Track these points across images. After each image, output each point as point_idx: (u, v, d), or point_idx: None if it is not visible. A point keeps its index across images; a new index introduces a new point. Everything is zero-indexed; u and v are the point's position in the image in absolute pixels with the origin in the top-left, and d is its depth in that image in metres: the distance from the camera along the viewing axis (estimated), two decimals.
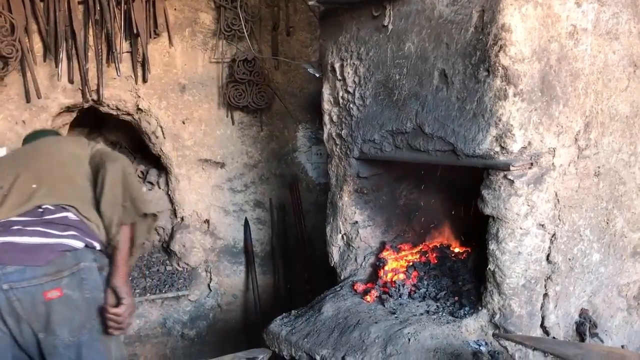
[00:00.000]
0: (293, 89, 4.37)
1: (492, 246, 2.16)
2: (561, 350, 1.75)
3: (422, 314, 2.38)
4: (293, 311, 2.75)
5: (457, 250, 2.78)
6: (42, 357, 1.97)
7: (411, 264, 2.70)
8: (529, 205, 2.09)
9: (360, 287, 2.73)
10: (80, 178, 2.21)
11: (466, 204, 2.45)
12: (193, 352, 4.17)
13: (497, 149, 2.06)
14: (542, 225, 2.15)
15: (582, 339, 2.33)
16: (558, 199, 2.18)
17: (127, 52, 3.74)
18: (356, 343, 2.28)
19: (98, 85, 3.63)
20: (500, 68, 1.99)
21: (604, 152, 2.31)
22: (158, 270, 4.17)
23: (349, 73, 2.67)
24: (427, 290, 2.55)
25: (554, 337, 2.24)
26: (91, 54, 3.59)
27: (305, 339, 2.43)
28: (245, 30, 3.84)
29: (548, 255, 2.20)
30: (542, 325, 2.24)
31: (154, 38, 3.80)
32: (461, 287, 2.46)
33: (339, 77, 2.74)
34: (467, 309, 2.31)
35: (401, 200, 3.02)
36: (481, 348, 2.15)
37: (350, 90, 2.68)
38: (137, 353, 4.02)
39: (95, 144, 2.42)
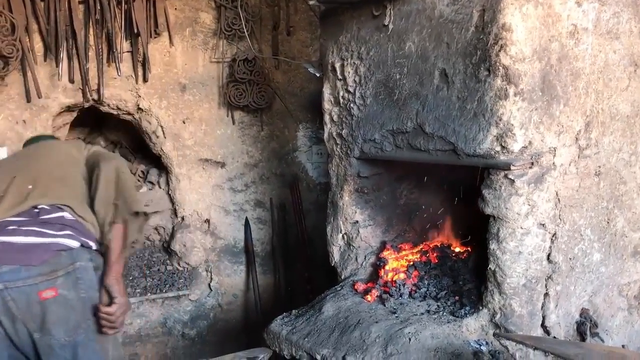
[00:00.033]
0: (293, 88, 4.37)
1: (492, 246, 2.16)
2: (562, 350, 1.75)
3: (422, 314, 2.38)
4: (293, 311, 2.75)
5: (457, 249, 2.78)
6: (38, 357, 1.97)
7: (412, 263, 2.70)
8: (529, 205, 2.09)
9: (360, 286, 2.73)
10: (76, 179, 2.22)
11: (467, 204, 2.45)
12: (194, 352, 4.17)
13: (498, 148, 2.06)
14: (543, 225, 2.15)
15: (583, 339, 2.33)
16: (559, 199, 2.18)
17: (128, 51, 3.75)
18: (357, 343, 2.28)
19: (98, 84, 3.63)
20: (500, 67, 1.99)
21: (604, 151, 2.31)
22: (159, 269, 4.18)
23: (349, 72, 2.67)
24: (427, 290, 2.55)
25: (554, 337, 2.24)
26: (92, 53, 3.60)
27: (306, 339, 2.43)
28: (245, 30, 3.84)
29: (549, 255, 2.20)
30: (543, 325, 2.24)
31: (155, 38, 3.80)
32: (462, 287, 2.46)
33: (340, 77, 2.74)
34: (467, 308, 2.31)
35: (402, 199, 3.02)
36: (482, 348, 2.14)
37: (351, 89, 2.68)
38: (137, 353, 4.02)
39: (92, 147, 2.43)
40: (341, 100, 2.76)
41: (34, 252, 1.94)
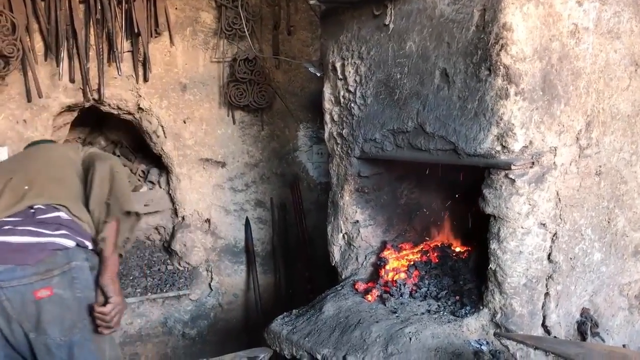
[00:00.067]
0: (294, 88, 4.37)
1: (493, 245, 2.16)
2: (562, 350, 1.75)
3: (423, 313, 2.38)
4: (294, 310, 2.76)
5: (458, 249, 2.78)
6: (34, 357, 1.97)
7: (412, 263, 2.70)
8: (530, 205, 2.09)
9: (361, 286, 2.73)
10: (72, 179, 2.22)
11: (467, 203, 2.45)
12: (194, 352, 4.17)
13: (499, 148, 2.06)
14: (544, 225, 2.15)
15: (584, 338, 2.33)
16: (559, 198, 2.18)
17: (128, 51, 3.75)
18: (357, 342, 2.28)
19: (99, 84, 3.64)
20: (501, 67, 1.99)
21: (605, 151, 2.31)
22: (159, 269, 4.18)
23: (350, 72, 2.67)
24: (428, 290, 2.55)
25: (555, 337, 2.24)
26: (92, 53, 3.60)
27: (307, 338, 2.43)
28: (246, 30, 3.84)
29: (549, 255, 2.20)
30: (544, 325, 2.24)
31: (155, 37, 3.80)
32: (462, 287, 2.46)
33: (340, 76, 2.74)
34: (468, 308, 2.31)
35: (402, 199, 3.02)
36: (482, 347, 2.14)
37: (352, 89, 2.68)
38: (138, 352, 4.03)
39: (88, 148, 2.43)
40: (342, 99, 2.76)
41: (29, 252, 1.94)
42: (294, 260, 4.49)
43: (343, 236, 2.96)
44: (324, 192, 4.26)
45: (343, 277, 2.95)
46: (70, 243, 2.02)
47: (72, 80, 3.57)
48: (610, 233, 2.42)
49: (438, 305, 2.43)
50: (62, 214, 2.09)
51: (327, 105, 2.87)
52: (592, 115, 2.23)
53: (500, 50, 1.98)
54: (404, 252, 2.82)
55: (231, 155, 4.28)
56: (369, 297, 2.61)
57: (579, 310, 2.37)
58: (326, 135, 2.93)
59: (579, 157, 2.22)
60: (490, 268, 2.18)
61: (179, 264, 4.20)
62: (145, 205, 4.13)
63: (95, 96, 3.67)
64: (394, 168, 2.85)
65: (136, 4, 3.61)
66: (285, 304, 4.21)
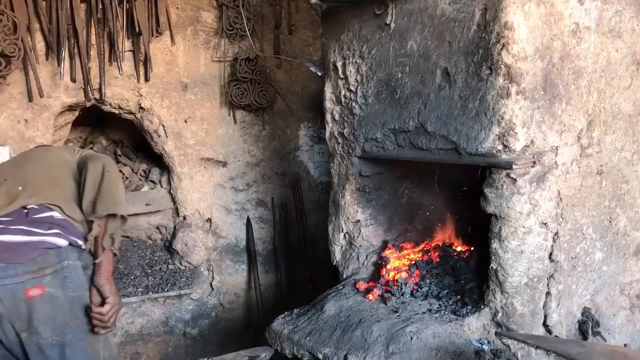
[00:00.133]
0: (295, 87, 4.37)
1: (494, 245, 2.16)
2: (564, 349, 1.75)
3: (424, 313, 2.38)
4: (295, 310, 2.76)
5: (459, 248, 2.78)
6: (26, 357, 1.96)
7: (413, 262, 2.70)
8: (531, 204, 2.09)
9: (362, 285, 2.73)
10: (66, 180, 2.21)
11: (469, 203, 2.45)
12: (195, 351, 4.17)
13: (500, 147, 2.06)
14: (545, 224, 2.15)
15: (585, 338, 2.33)
16: (561, 198, 2.18)
17: (129, 50, 3.75)
18: (358, 342, 2.28)
19: (100, 84, 3.64)
20: (502, 66, 1.98)
21: (606, 150, 2.31)
22: (160, 269, 4.18)
23: (351, 71, 2.67)
24: (429, 289, 2.55)
25: (556, 336, 2.24)
26: (93, 52, 3.60)
27: (308, 338, 2.44)
28: (247, 29, 3.84)
29: (551, 254, 2.20)
30: (545, 324, 2.24)
31: (156, 37, 3.80)
32: (463, 286, 2.46)
33: (341, 76, 2.74)
34: (469, 307, 2.31)
35: (403, 198, 3.02)
36: (484, 347, 2.14)
37: (353, 88, 2.68)
38: (139, 352, 4.03)
39: (84, 150, 2.42)
40: (343, 99, 2.76)
41: (21, 250, 1.93)
42: (295, 259, 4.49)
43: (344, 235, 2.96)
44: (325, 192, 4.26)
45: (344, 276, 2.95)
46: (63, 242, 2.01)
47: (73, 80, 3.58)
48: (612, 232, 2.42)
49: (439, 305, 2.43)
50: (56, 214, 2.08)
51: (328, 104, 2.87)
52: (593, 114, 2.23)
53: (501, 49, 1.98)
54: (405, 252, 2.82)
55: (232, 154, 4.28)
56: (370, 296, 2.61)
57: (580, 309, 2.37)
58: (327, 134, 2.93)
59: (580, 156, 2.22)
60: (492, 267, 2.18)
61: (180, 263, 4.20)
62: (146, 205, 4.13)
63: (97, 96, 3.67)
64: (395, 167, 2.85)
65: (137, 4, 3.61)
66: (286, 303, 4.21)
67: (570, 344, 2.01)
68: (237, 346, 2.54)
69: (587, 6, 2.12)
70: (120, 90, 3.76)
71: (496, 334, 2.18)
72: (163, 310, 4.08)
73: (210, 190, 4.25)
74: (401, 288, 2.57)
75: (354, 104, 2.69)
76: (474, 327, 2.23)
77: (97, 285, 2.05)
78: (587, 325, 2.33)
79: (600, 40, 2.20)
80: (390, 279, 2.65)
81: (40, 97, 3.44)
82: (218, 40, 4.05)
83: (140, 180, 4.25)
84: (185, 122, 4.05)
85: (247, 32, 3.85)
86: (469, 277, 2.49)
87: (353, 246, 2.94)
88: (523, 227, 2.10)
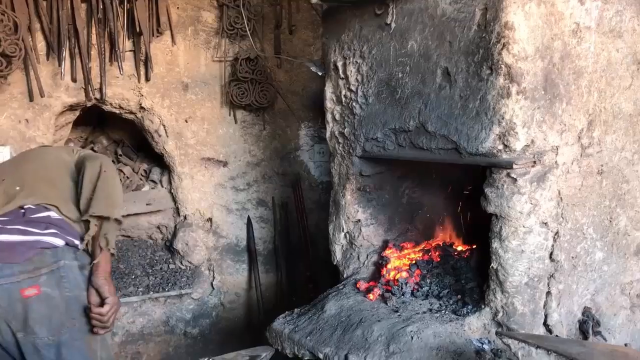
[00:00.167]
0: (295, 87, 4.37)
1: (495, 244, 2.16)
2: (564, 349, 1.75)
3: (424, 312, 2.38)
4: (296, 309, 2.76)
5: (460, 248, 2.78)
6: (22, 357, 1.96)
7: (414, 262, 2.70)
8: (532, 204, 2.09)
9: (363, 285, 2.73)
10: (64, 180, 2.21)
11: (469, 202, 2.45)
12: (196, 351, 4.17)
13: (500, 147, 2.06)
14: (545, 224, 2.15)
15: (585, 337, 2.33)
16: (561, 197, 2.18)
17: (130, 50, 3.75)
18: (359, 341, 2.29)
19: (101, 83, 3.64)
20: (503, 66, 1.99)
21: (607, 150, 2.31)
22: (161, 268, 4.18)
23: (351, 71, 2.67)
24: (429, 289, 2.55)
25: (557, 335, 2.24)
26: (94, 52, 3.60)
27: (308, 337, 2.44)
28: (247, 29, 3.84)
29: (551, 254, 2.20)
30: (545, 324, 2.24)
31: (157, 37, 3.80)
32: (464, 286, 2.46)
33: (342, 76, 2.74)
34: (470, 307, 2.31)
35: (404, 198, 3.02)
36: (484, 346, 2.15)
37: (353, 88, 2.68)
38: (140, 351, 4.03)
39: (82, 150, 2.42)
40: (343, 99, 2.76)
41: (17, 250, 1.93)
42: (296, 259, 4.49)
43: (345, 235, 2.96)
44: (326, 192, 4.27)
45: (345, 276, 2.95)
46: (59, 242, 2.01)
47: (74, 80, 3.58)
48: (612, 232, 2.42)
49: (440, 304, 2.43)
50: (53, 214, 2.08)
51: (329, 104, 2.87)
52: (594, 114, 2.23)
53: (502, 49, 1.98)
54: (406, 251, 2.82)
55: (233, 154, 4.28)
56: (371, 296, 2.61)
57: (580, 309, 2.37)
58: (328, 134, 2.93)
59: (581, 156, 2.22)
60: (492, 267, 2.18)
61: (181, 263, 4.21)
62: (147, 205, 4.14)
63: (97, 95, 3.67)
64: (396, 167, 2.85)
65: (138, 4, 3.61)
66: (287, 303, 4.21)
67: (571, 343, 2.01)
68: (238, 346, 2.53)
69: (587, 6, 2.13)
70: (121, 90, 3.77)
71: (497, 333, 2.18)
72: (164, 309, 4.08)
73: (210, 189, 4.25)
74: (402, 288, 2.57)
75: (354, 103, 2.69)
76: (475, 326, 2.23)
77: (96, 286, 2.05)
78: (587, 325, 2.33)
79: (601, 40, 2.20)
80: (390, 278, 2.65)
81: (41, 96, 3.45)
82: (219, 40, 4.06)
83: (141, 179, 4.25)
84: (186, 121, 4.05)
85: (248, 32, 3.85)
86: (469, 276, 2.49)
87: (354, 246, 2.94)
88: (523, 226, 2.10)
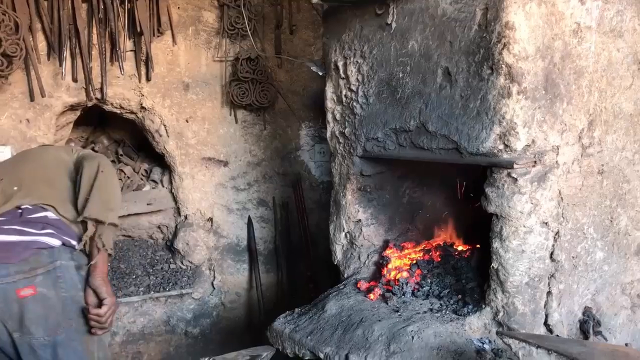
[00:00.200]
0: (296, 87, 4.37)
1: (495, 244, 2.16)
2: (565, 348, 1.75)
3: (425, 312, 2.38)
4: (296, 309, 2.76)
5: (460, 248, 2.78)
6: (19, 357, 1.96)
7: (414, 262, 2.70)
8: (532, 203, 2.09)
9: (363, 285, 2.73)
10: (62, 180, 2.20)
11: (470, 202, 2.45)
12: (197, 350, 4.17)
13: (501, 147, 2.06)
14: (546, 224, 2.15)
15: (586, 337, 2.33)
16: (562, 197, 2.18)
17: (131, 50, 3.75)
18: (360, 341, 2.29)
19: (102, 83, 3.65)
20: (504, 66, 1.99)
21: (607, 150, 2.31)
22: (162, 268, 4.18)
23: (352, 71, 2.68)
24: (430, 289, 2.55)
25: (557, 335, 2.24)
26: (95, 52, 3.61)
27: (309, 337, 2.44)
28: (248, 29, 3.84)
29: (552, 254, 2.20)
30: (546, 323, 2.24)
31: (158, 37, 3.80)
32: (464, 285, 2.46)
33: (342, 76, 2.74)
34: (470, 307, 2.31)
35: (404, 198, 3.02)
36: (485, 346, 2.15)
37: (354, 88, 2.68)
38: (141, 351, 4.04)
39: (82, 150, 2.41)
40: (344, 98, 2.76)
41: (13, 250, 1.93)
42: (297, 259, 4.49)
43: (345, 235, 2.96)
44: (326, 191, 4.27)
45: (345, 275, 2.95)
46: (56, 242, 2.00)
47: (74, 80, 3.58)
48: (613, 232, 2.42)
49: (440, 304, 2.43)
50: (50, 214, 2.07)
51: (330, 104, 2.87)
52: (594, 114, 2.23)
53: (502, 49, 1.98)
54: (406, 251, 2.82)
55: (233, 154, 4.28)
56: (371, 295, 2.61)
57: (581, 309, 2.37)
58: (328, 134, 2.93)
59: (582, 156, 2.22)
60: (493, 267, 2.18)
61: (182, 262, 4.21)
62: (147, 204, 4.14)
63: (98, 95, 3.68)
64: (396, 167, 2.85)
65: (139, 4, 3.61)
66: (287, 302, 4.21)
67: (572, 343, 2.01)
68: (239, 345, 2.54)
69: (588, 6, 2.13)
70: (122, 90, 3.77)
71: (497, 333, 2.18)
72: (164, 309, 4.09)
73: (211, 189, 4.26)
74: (402, 287, 2.57)
75: (355, 103, 2.69)
76: (475, 326, 2.23)
77: (93, 287, 2.04)
78: (588, 325, 2.33)
79: (602, 40, 2.20)
80: (391, 278, 2.65)
81: (42, 96, 3.45)
82: (219, 40, 4.06)
83: (142, 179, 4.26)
84: (187, 121, 4.06)
85: (249, 32, 3.85)
86: (470, 276, 2.49)
87: (354, 246, 2.94)
88: (524, 226, 2.10)
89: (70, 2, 3.47)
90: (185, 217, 4.21)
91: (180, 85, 3.99)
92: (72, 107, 3.73)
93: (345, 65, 2.71)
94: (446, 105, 2.23)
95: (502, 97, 2.01)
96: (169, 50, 3.90)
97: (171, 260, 4.26)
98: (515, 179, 2.05)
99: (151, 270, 4.13)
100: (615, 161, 2.35)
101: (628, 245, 2.49)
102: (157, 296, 3.99)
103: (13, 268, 1.91)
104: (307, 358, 2.43)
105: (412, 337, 2.19)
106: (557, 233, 2.19)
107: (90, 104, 3.73)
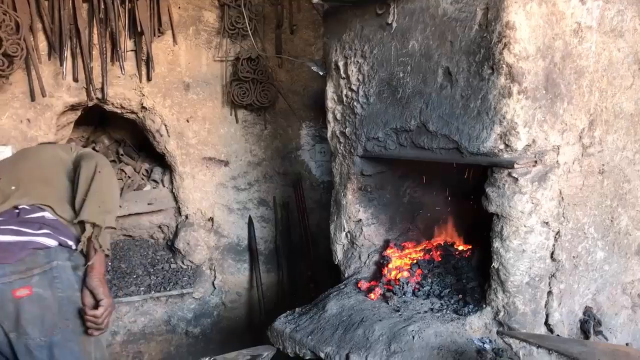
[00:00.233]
0: (297, 87, 4.37)
1: (496, 244, 2.16)
2: (565, 348, 1.75)
3: (426, 312, 2.39)
4: (297, 309, 2.76)
5: (461, 248, 2.78)
6: (15, 357, 1.96)
7: (415, 261, 2.70)
8: (533, 203, 2.09)
9: (364, 284, 2.73)
10: (60, 179, 2.20)
11: (470, 202, 2.45)
12: (197, 350, 4.18)
13: (502, 146, 2.06)
14: (547, 223, 2.15)
15: (587, 337, 2.33)
16: (562, 197, 2.18)
17: (132, 50, 3.75)
18: (360, 340, 2.29)
19: (102, 83, 3.65)
20: (504, 66, 1.99)
21: (608, 150, 2.31)
22: (162, 268, 4.19)
23: (352, 71, 2.68)
24: (431, 288, 2.55)
25: (558, 335, 2.24)
26: (95, 52, 3.61)
27: (310, 337, 2.44)
28: (249, 29, 3.85)
29: (552, 253, 2.20)
30: (546, 323, 2.24)
31: (158, 36, 3.80)
32: (465, 285, 2.46)
33: (343, 75, 2.74)
34: (471, 306, 2.31)
35: (405, 198, 3.02)
36: (485, 346, 2.15)
37: (354, 88, 2.68)
38: (141, 351, 4.04)
39: (82, 148, 2.40)
40: (344, 98, 2.76)
41: (9, 250, 1.93)
42: (297, 258, 4.49)
43: (346, 235, 2.96)
44: (327, 191, 4.27)
45: (346, 275, 2.95)
46: (52, 242, 2.00)
47: (75, 80, 3.59)
48: (614, 232, 2.42)
49: (441, 304, 2.43)
50: (47, 214, 2.07)
51: (330, 104, 2.88)
52: (595, 114, 2.23)
53: (503, 48, 1.98)
54: (407, 251, 2.83)
55: (234, 154, 4.28)
56: (372, 295, 2.61)
57: (582, 308, 2.37)
58: (329, 134, 2.93)
59: (582, 155, 2.22)
60: (493, 266, 2.18)
61: (183, 262, 4.21)
62: (148, 204, 4.14)
63: (99, 95, 3.68)
64: (397, 167, 2.86)
65: (139, 3, 3.61)
66: (288, 302, 4.21)
67: (572, 343, 2.01)
68: (239, 345, 2.54)
69: (589, 5, 2.13)
70: (123, 90, 3.77)
71: (498, 333, 2.18)
72: (165, 309, 4.09)
73: (212, 189, 4.26)
74: (403, 287, 2.57)
75: (355, 103, 2.69)
76: (476, 326, 2.23)
77: (90, 288, 2.04)
78: (588, 325, 2.33)
79: (602, 39, 2.20)
80: (392, 278, 2.65)
81: (43, 96, 3.45)
82: (220, 40, 4.06)
83: (143, 179, 4.26)
84: (187, 121, 4.06)
85: (249, 32, 3.85)
86: (470, 276, 2.49)
87: (355, 245, 2.94)
88: (525, 226, 2.10)
89: (71, 2, 3.47)
90: (186, 217, 4.21)
91: (180, 85, 3.99)
92: (72, 107, 3.73)
93: (345, 65, 2.71)
94: (447, 105, 2.23)
95: (503, 96, 2.01)
96: (170, 50, 3.90)
97: (172, 260, 4.26)
98: (516, 179, 2.06)
99: (152, 270, 4.13)
100: (615, 161, 2.35)
101: (629, 244, 2.49)
102: (158, 296, 4.00)
103: (9, 268, 1.91)
104: (307, 358, 2.43)
105: (413, 337, 2.19)
106: (558, 233, 2.19)
107: (91, 103, 3.73)
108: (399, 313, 2.40)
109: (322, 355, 2.33)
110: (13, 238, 1.96)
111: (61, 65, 3.51)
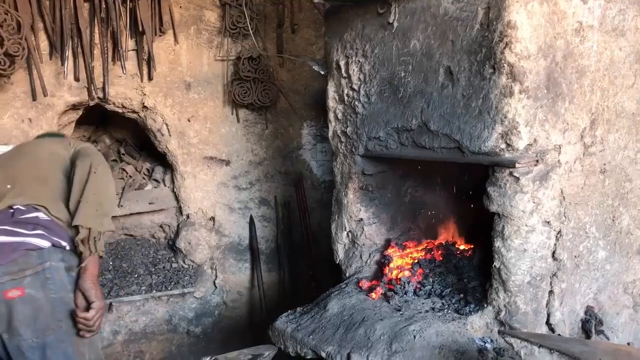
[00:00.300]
0: (298, 86, 4.37)
1: (497, 243, 2.16)
2: (567, 347, 1.75)
3: (427, 311, 2.39)
4: (298, 308, 2.76)
5: (462, 247, 2.78)
6: (9, 357, 1.95)
7: (416, 261, 2.70)
8: (534, 203, 2.09)
9: (365, 284, 2.73)
10: (56, 177, 2.18)
11: (472, 201, 2.45)
12: (199, 349, 4.18)
13: (503, 146, 2.06)
14: (548, 223, 2.15)
15: (588, 336, 2.33)
16: (564, 196, 2.18)
17: (133, 50, 3.75)
18: (361, 340, 2.29)
19: (104, 83, 3.65)
20: (505, 65, 1.98)
21: (609, 149, 2.31)
22: (164, 267, 4.19)
23: (354, 70, 2.68)
24: (432, 288, 2.55)
25: (559, 334, 2.24)
26: (97, 52, 3.61)
27: (311, 336, 2.44)
28: (250, 28, 3.85)
29: (553, 253, 2.20)
30: (548, 323, 2.24)
31: (160, 36, 3.80)
32: (466, 285, 2.46)
33: (344, 75, 2.74)
34: (472, 306, 2.31)
35: (406, 197, 3.02)
36: (487, 345, 2.15)
37: (355, 87, 2.68)
38: (143, 350, 4.04)
39: (80, 144, 2.38)
40: (346, 98, 2.76)
41: (2, 251, 1.92)
42: (298, 258, 4.50)
43: (347, 234, 2.96)
44: (328, 191, 4.27)
45: (347, 275, 2.95)
46: (45, 243, 1.99)
47: (77, 79, 3.59)
48: (615, 231, 2.42)
49: (442, 303, 2.43)
50: (41, 214, 2.05)
51: (331, 103, 2.88)
52: (596, 113, 2.23)
53: (504, 48, 1.98)
54: (408, 250, 2.82)
55: (235, 153, 4.29)
56: (373, 295, 2.61)
57: (583, 308, 2.37)
58: (330, 133, 2.93)
59: (584, 155, 2.22)
60: (495, 266, 2.18)
61: (184, 261, 4.21)
62: (149, 204, 4.14)
63: (100, 95, 3.68)
64: (398, 166, 2.85)
65: (140, 3, 3.61)
66: (289, 301, 4.21)
67: (574, 342, 2.01)
68: (241, 344, 2.54)
69: (590, 5, 2.12)
70: (124, 89, 3.77)
71: (499, 332, 2.18)
72: (166, 308, 4.09)
73: (213, 188, 4.26)
74: (404, 286, 2.57)
75: (356, 102, 2.69)
76: (477, 325, 2.23)
77: (83, 290, 2.02)
78: (590, 324, 2.33)
79: (604, 38, 2.19)
80: (393, 277, 2.65)
81: (44, 96, 3.45)
82: (221, 40, 4.06)
83: (144, 178, 4.26)
84: (189, 121, 4.06)
85: (250, 31, 3.85)
86: (472, 275, 2.49)
87: (356, 245, 2.94)
88: (526, 225, 2.10)
89: (72, 1, 3.47)
90: (187, 216, 4.21)
91: (182, 85, 3.99)
92: (74, 107, 3.73)
93: (347, 64, 2.71)
94: (448, 104, 2.23)
95: (504, 96, 2.01)
96: (171, 49, 3.91)
97: (173, 259, 4.26)
98: (517, 178, 2.05)
99: (153, 269, 4.14)
100: (617, 160, 2.35)
101: (630, 244, 2.49)
102: (159, 295, 4.00)
103: (1, 269, 1.90)
104: (309, 357, 2.44)
105: (414, 336, 2.19)
106: (559, 232, 2.19)
107: (92, 103, 3.74)
108: (400, 312, 2.40)
109: (323, 354, 2.33)
110: (6, 239, 1.95)
111: (62, 64, 3.52)
